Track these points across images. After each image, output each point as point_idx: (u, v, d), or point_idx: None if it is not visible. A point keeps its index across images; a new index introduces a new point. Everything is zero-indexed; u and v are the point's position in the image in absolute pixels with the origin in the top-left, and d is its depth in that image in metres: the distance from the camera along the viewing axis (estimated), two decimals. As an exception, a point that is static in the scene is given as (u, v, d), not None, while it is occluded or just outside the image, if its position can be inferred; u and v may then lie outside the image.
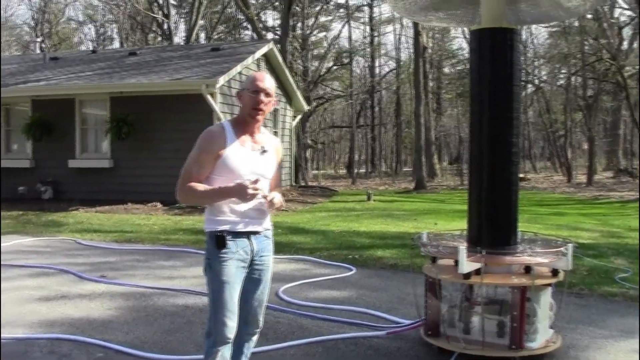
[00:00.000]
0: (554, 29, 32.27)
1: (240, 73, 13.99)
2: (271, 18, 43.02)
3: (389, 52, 44.94)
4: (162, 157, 12.85)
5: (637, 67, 24.32)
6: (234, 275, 2.78)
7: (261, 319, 2.99)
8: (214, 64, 14.48)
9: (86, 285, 5.90)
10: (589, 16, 24.95)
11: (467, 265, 3.72)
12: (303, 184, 22.35)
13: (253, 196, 2.69)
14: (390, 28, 48.49)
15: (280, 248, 7.02)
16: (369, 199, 16.36)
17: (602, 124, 35.85)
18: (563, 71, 33.74)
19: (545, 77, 36.50)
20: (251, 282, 2.89)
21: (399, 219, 11.47)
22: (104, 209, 12.34)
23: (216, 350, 2.78)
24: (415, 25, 22.55)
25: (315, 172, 34.78)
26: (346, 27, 38.42)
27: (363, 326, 4.53)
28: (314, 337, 4.26)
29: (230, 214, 2.79)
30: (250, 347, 3.04)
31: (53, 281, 6.07)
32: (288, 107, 19.00)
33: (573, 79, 31.11)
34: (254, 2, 33.04)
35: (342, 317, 4.77)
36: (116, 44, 40.84)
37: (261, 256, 2.90)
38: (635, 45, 26.56)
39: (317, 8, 35.07)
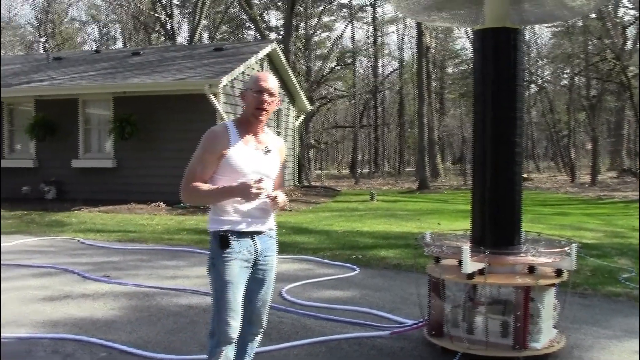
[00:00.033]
0: (557, 29, 32.20)
1: (243, 73, 14.00)
2: (274, 18, 43.15)
3: (392, 52, 44.96)
4: (166, 157, 12.87)
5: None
6: (238, 275, 2.78)
7: (265, 319, 2.99)
8: (217, 64, 14.49)
9: (89, 285, 5.91)
10: (593, 16, 24.90)
11: (470, 265, 3.71)
12: (306, 184, 22.34)
13: (257, 195, 2.69)
14: (393, 28, 48.72)
15: (283, 248, 7.02)
16: (372, 199, 16.35)
17: (606, 124, 35.73)
18: (566, 71, 33.63)
19: (548, 77, 36.43)
20: (255, 282, 2.89)
21: (402, 219, 11.46)
22: (107, 208, 12.36)
23: (220, 350, 2.78)
24: (419, 25, 22.53)
25: (318, 172, 34.74)
26: (349, 27, 38.50)
27: (366, 326, 4.53)
28: (317, 337, 4.25)
29: (234, 213, 2.79)
30: (254, 347, 3.04)
31: (56, 281, 6.08)
32: (291, 107, 19.00)
33: (576, 78, 31.05)
34: (257, 2, 33.07)
35: (345, 317, 4.76)
36: (119, 44, 40.96)
37: (265, 256, 2.89)
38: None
39: (320, 8, 35.10)
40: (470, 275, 3.73)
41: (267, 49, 16.01)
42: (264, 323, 2.99)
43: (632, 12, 25.63)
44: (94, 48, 37.44)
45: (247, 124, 2.86)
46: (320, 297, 5.43)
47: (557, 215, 12.59)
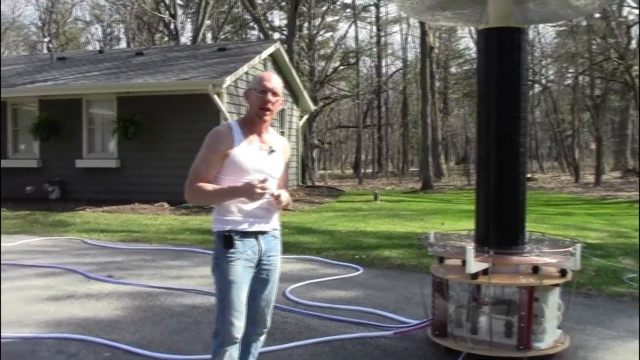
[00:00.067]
0: (561, 28, 32.14)
1: (247, 73, 14.00)
2: (278, 18, 43.19)
3: (396, 52, 44.90)
4: (169, 157, 12.89)
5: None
6: (242, 275, 2.77)
7: (269, 319, 2.99)
8: (220, 64, 14.50)
9: (93, 285, 5.92)
10: (597, 15, 24.83)
11: (474, 265, 3.71)
12: (310, 184, 22.35)
13: (261, 195, 2.69)
14: (396, 28, 48.71)
15: (287, 248, 7.00)
16: (375, 199, 16.35)
17: (610, 123, 35.68)
18: (570, 70, 33.61)
19: (552, 77, 36.40)
20: (259, 282, 2.89)
21: (406, 219, 11.45)
22: (110, 208, 12.38)
23: (224, 350, 2.78)
24: (422, 25, 22.50)
25: (322, 172, 34.74)
26: (353, 27, 38.39)
27: (370, 326, 4.53)
28: (321, 337, 4.25)
29: (238, 213, 2.79)
30: (258, 347, 3.04)
31: (60, 281, 6.10)
32: (295, 107, 19.00)
33: (580, 78, 30.96)
34: (260, 2, 33.06)
35: (349, 317, 4.76)
36: (123, 44, 41.03)
37: (269, 256, 2.89)
38: (644, 44, 26.41)
39: (324, 8, 35.07)
40: (474, 275, 3.72)
41: (270, 49, 16.02)
42: (268, 323, 2.99)
43: (637, 11, 25.57)
44: (98, 48, 37.45)
45: (251, 124, 2.86)
46: (324, 297, 5.42)
47: (561, 215, 12.57)
